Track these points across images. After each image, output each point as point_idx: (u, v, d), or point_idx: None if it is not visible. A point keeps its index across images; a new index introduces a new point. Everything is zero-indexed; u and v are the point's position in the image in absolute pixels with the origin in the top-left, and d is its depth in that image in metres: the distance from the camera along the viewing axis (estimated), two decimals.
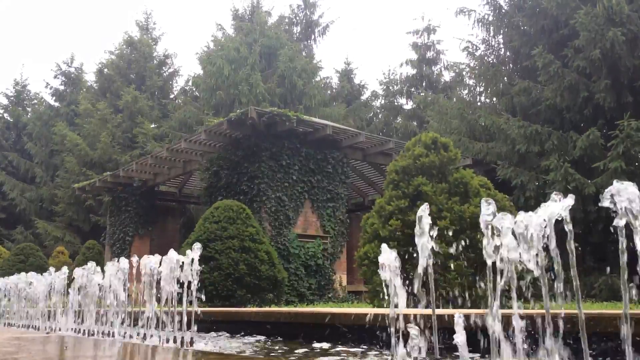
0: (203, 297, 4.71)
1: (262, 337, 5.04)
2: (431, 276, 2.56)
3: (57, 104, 32.26)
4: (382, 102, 30.75)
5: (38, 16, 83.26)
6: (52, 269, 7.52)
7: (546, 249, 2.06)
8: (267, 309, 7.22)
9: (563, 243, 2.04)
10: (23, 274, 8.78)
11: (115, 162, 24.45)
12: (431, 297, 2.59)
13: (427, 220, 2.58)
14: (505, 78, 15.91)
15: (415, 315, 3.05)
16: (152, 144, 23.94)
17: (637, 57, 12.76)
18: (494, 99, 16.89)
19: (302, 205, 13.75)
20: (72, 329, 6.30)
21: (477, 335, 2.81)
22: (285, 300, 11.41)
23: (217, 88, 24.03)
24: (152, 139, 24.73)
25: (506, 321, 2.19)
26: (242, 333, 5.40)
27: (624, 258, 1.83)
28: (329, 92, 29.63)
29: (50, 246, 24.53)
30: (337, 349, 3.90)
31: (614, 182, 1.84)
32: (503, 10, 16.33)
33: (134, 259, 5.07)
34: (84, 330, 5.94)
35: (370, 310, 4.70)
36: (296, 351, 3.90)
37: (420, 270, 2.58)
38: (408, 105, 29.40)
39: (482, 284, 6.43)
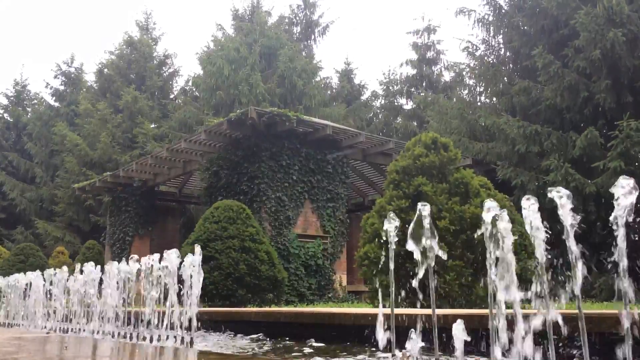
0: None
1: (263, 337, 5.04)
2: (431, 276, 2.56)
3: (57, 104, 32.26)
4: (382, 102, 30.76)
5: (38, 16, 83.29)
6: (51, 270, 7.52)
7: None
8: (267, 309, 7.23)
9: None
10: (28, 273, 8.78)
11: (115, 162, 24.46)
12: (431, 297, 2.59)
13: (428, 219, 2.58)
14: (505, 78, 15.91)
15: (415, 315, 3.06)
16: (152, 144, 23.94)
17: (637, 57, 12.76)
18: (494, 99, 16.89)
19: (302, 205, 13.76)
20: (72, 329, 6.31)
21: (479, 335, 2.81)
22: (285, 300, 11.42)
23: (217, 88, 24.03)
24: (152, 139, 24.73)
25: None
26: (243, 333, 5.40)
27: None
28: (329, 92, 29.63)
29: (50, 246, 24.53)
30: (338, 348, 3.90)
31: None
32: (503, 10, 16.34)
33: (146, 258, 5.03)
34: (84, 330, 5.95)
35: (370, 310, 4.70)
36: (296, 351, 3.90)
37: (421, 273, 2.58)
38: (408, 105, 29.43)
39: (482, 284, 6.43)
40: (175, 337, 4.19)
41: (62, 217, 27.08)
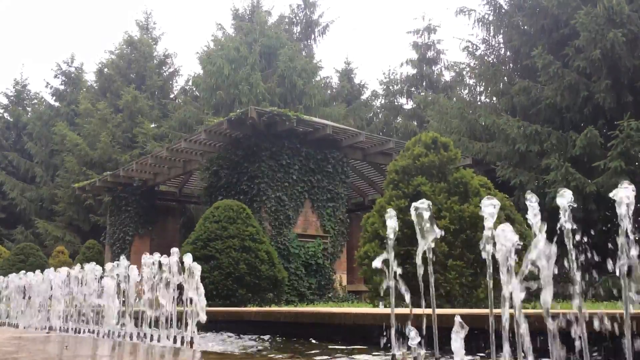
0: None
1: (263, 337, 5.04)
2: (431, 275, 2.56)
3: (57, 104, 32.27)
4: (382, 101, 30.76)
5: (38, 16, 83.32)
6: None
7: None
8: (267, 308, 7.23)
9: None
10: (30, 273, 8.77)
11: (115, 162, 24.46)
12: (431, 297, 2.59)
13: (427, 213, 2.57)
14: (505, 78, 15.91)
15: (415, 315, 3.05)
16: (152, 143, 23.94)
17: (637, 57, 12.76)
18: (494, 99, 16.89)
19: (302, 205, 13.76)
20: (72, 328, 6.30)
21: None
22: (285, 299, 11.42)
23: (217, 88, 24.03)
24: (152, 139, 24.74)
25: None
26: (243, 333, 5.40)
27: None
28: (329, 91, 29.63)
29: (50, 246, 24.54)
30: (337, 348, 3.90)
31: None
32: (503, 10, 16.34)
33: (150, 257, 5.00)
34: (83, 330, 5.94)
35: (370, 310, 4.71)
36: (296, 350, 3.90)
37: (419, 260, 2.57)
38: (408, 105, 29.43)
39: (482, 284, 6.44)
40: (175, 336, 4.19)
41: (62, 216, 27.09)
